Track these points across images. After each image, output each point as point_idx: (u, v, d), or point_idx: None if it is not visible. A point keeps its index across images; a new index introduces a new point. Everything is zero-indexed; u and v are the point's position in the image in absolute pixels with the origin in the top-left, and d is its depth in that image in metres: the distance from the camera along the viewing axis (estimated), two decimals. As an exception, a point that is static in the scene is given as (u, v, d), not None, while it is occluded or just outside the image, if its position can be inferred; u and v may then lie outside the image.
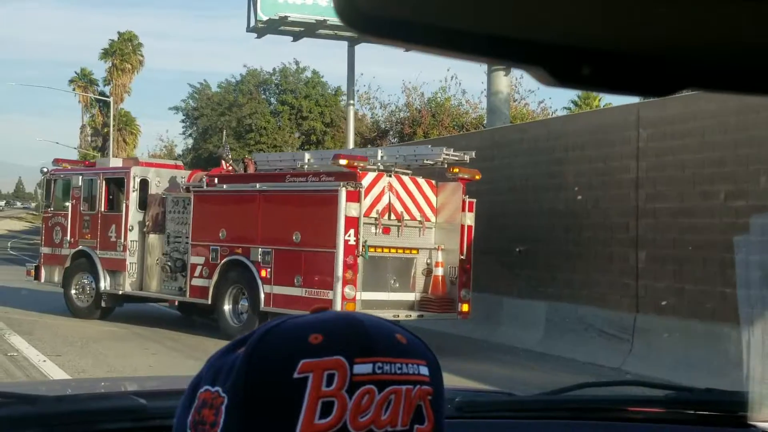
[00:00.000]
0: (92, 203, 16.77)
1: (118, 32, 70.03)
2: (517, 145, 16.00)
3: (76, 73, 78.32)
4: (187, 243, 15.20)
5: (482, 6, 0.60)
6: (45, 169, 17.81)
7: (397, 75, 31.20)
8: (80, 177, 16.98)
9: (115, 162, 17.50)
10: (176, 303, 15.53)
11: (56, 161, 17.91)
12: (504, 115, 22.69)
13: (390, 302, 13.41)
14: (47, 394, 1.85)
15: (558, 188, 14.80)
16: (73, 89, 75.52)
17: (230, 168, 16.03)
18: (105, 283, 16.34)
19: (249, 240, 13.89)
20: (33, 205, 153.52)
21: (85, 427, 1.74)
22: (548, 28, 0.61)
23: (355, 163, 12.94)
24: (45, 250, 17.66)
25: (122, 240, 16.05)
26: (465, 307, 13.67)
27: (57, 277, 17.41)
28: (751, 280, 1.99)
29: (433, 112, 30.04)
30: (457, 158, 13.91)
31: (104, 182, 16.61)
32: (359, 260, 12.81)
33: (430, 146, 14.32)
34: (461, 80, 30.60)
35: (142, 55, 71.27)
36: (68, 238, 17.03)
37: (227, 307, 14.21)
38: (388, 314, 13.20)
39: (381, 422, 0.88)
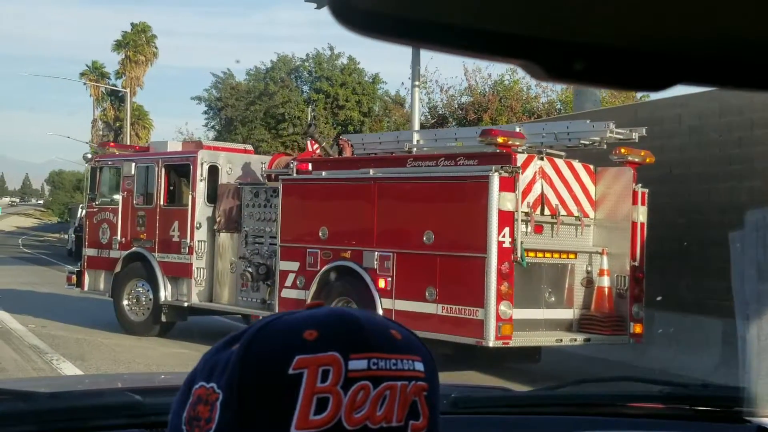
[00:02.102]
0: (149, 195, 13.84)
1: (132, 23, 67.98)
2: (673, 124, 13.04)
3: (87, 66, 76.37)
4: (272, 244, 12.28)
5: (475, 1, 0.60)
6: (89, 155, 14.86)
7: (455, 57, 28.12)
8: (133, 164, 14.03)
9: (174, 145, 14.55)
10: (260, 318, 12.56)
11: (102, 145, 15.02)
12: (594, 95, 19.85)
13: (545, 321, 10.48)
14: (42, 390, 1.84)
15: (738, 176, 11.82)
16: (85, 83, 73.50)
17: (316, 150, 13.10)
18: (165, 293, 13.42)
19: (361, 241, 10.95)
20: (40, 201, 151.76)
21: (80, 424, 1.69)
22: (541, 22, 0.60)
23: (510, 142, 10.00)
24: (89, 252, 14.72)
25: (187, 240, 13.12)
26: (638, 328, 10.72)
27: (104, 284, 14.50)
28: (746, 275, 2.01)
29: (500, 97, 27.07)
30: (622, 136, 10.97)
31: (164, 170, 13.66)
32: (515, 268, 9.87)
33: (588, 121, 11.36)
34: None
35: (156, 47, 69.40)
36: (118, 237, 14.10)
37: (330, 325, 11.27)
38: (548, 338, 10.30)
39: (376, 418, 0.86)
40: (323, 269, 11.33)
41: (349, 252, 11.08)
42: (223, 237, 13.10)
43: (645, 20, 0.59)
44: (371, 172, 10.99)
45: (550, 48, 0.61)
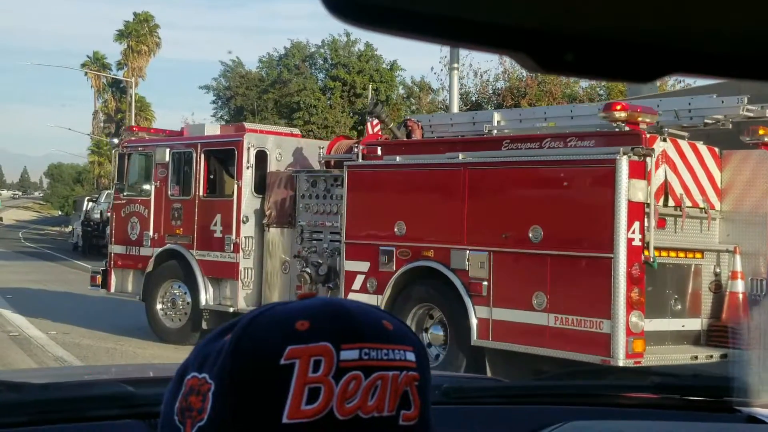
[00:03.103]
0: (186, 185, 12.19)
1: (134, 13, 66.86)
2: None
3: (88, 57, 75.40)
4: (333, 241, 10.64)
5: None
6: (116, 140, 13.18)
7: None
8: (167, 150, 12.35)
9: (211, 129, 12.88)
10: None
11: (130, 129, 13.31)
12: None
13: (670, 334, 8.83)
14: (34, 381, 1.84)
15: None
16: (86, 73, 72.52)
17: (378, 131, 11.46)
18: (206, 296, 11.78)
19: (448, 237, 9.30)
20: (39, 194, 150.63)
21: (72, 414, 1.69)
22: (533, 14, 0.60)
23: (641, 118, 8.35)
24: (116, 249, 13.05)
25: (232, 236, 11.47)
26: (778, 340, 9.05)
27: (133, 285, 12.86)
28: None
29: (538, 81, 25.41)
30: (753, 114, 9.33)
31: (203, 156, 12.00)
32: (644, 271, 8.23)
33: (714, 95, 9.69)
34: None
35: (158, 37, 68.41)
36: (150, 233, 12.44)
37: (409, 336, 9.63)
38: (682, 355, 8.68)
39: (367, 408, 0.86)
40: (400, 270, 9.68)
41: (432, 250, 9.43)
42: (274, 233, 11.45)
43: (635, 11, 0.59)
44: (460, 156, 9.33)
45: (542, 39, 0.61)
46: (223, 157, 12.00)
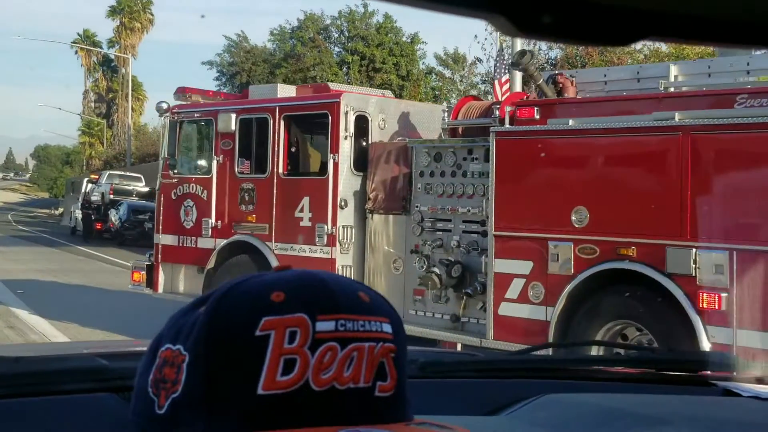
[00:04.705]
0: (260, 160, 9.56)
1: (127, -12, 64.83)
2: None
3: (78, 34, 73.38)
4: (469, 232, 8.08)
5: None
6: (164, 105, 10.50)
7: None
8: (233, 115, 9.70)
9: (285, 90, 10.23)
10: (457, 346, 8.20)
11: (180, 91, 10.63)
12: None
13: None
14: (7, 354, 1.74)
15: None
16: (76, 51, 70.77)
17: (506, 91, 8.88)
18: (289, 302, 9.17)
19: (659, 230, 6.73)
20: (27, 176, 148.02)
21: (46, 388, 1.62)
22: None
23: None
24: (164, 239, 10.41)
25: (326, 225, 8.87)
26: None
27: (186, 284, 10.27)
28: None
29: (599, 49, 22.84)
30: None
31: (283, 123, 9.37)
32: None
33: None
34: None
35: (152, 14, 66.66)
36: (212, 220, 9.82)
37: (596, 363, 7.07)
38: None
39: (343, 379, 0.85)
40: (583, 274, 7.11)
41: (633, 247, 6.86)
42: (379, 221, 8.87)
43: None
44: (677, 116, 6.76)
45: (519, 1, 0.60)
46: (310, 125, 9.41)
